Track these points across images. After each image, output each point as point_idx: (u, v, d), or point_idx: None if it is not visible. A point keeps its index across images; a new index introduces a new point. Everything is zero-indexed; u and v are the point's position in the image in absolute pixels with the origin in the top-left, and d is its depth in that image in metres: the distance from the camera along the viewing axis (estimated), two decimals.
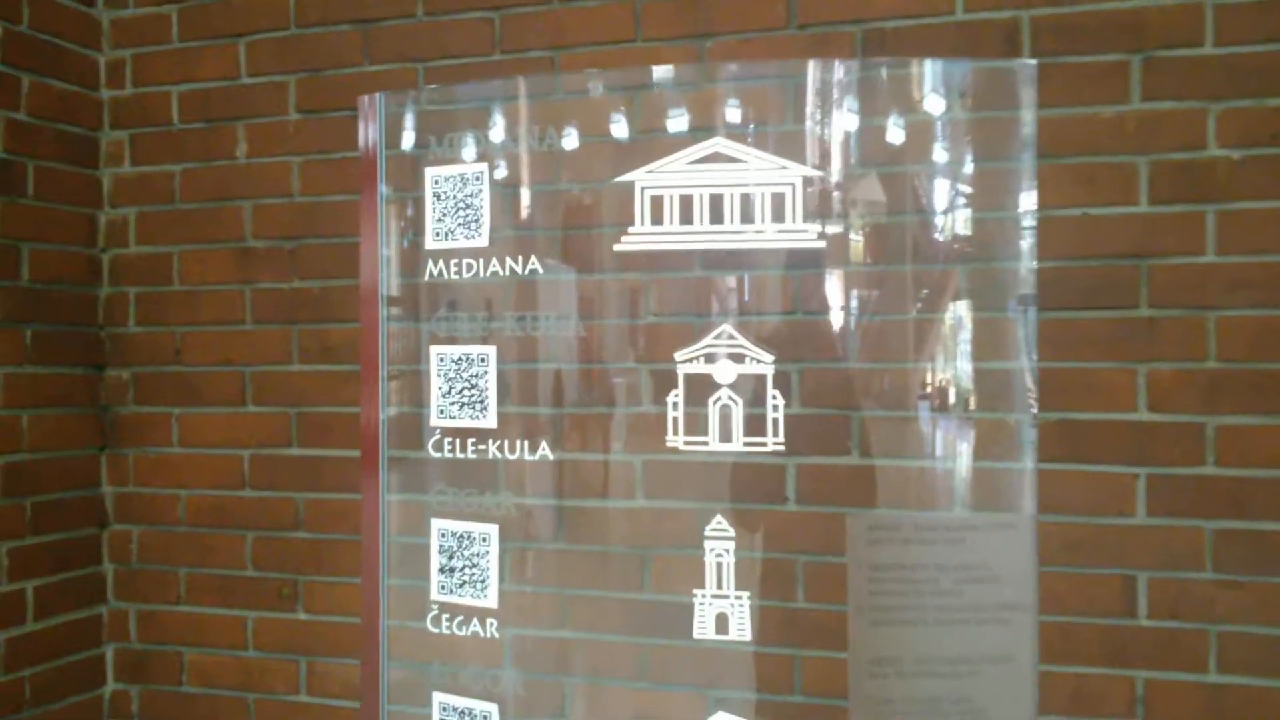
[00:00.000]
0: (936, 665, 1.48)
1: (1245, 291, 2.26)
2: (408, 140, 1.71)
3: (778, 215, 1.48)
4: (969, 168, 1.56)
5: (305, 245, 2.88)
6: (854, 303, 1.64)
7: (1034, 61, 1.61)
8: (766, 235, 1.48)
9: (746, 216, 1.50)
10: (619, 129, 1.64)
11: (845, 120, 1.49)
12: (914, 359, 1.62)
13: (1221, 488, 2.27)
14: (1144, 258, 2.31)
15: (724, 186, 1.52)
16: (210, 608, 2.93)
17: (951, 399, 1.60)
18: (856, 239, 1.58)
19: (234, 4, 2.90)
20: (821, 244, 1.53)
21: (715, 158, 1.53)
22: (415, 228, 1.68)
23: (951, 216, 1.57)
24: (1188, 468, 2.29)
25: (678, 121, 1.55)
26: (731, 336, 1.55)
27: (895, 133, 1.48)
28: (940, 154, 1.52)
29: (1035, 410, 1.49)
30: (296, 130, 2.90)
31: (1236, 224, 2.26)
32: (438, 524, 1.70)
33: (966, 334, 1.58)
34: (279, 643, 2.91)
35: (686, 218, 1.53)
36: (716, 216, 1.52)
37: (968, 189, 1.54)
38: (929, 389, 1.61)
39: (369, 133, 1.65)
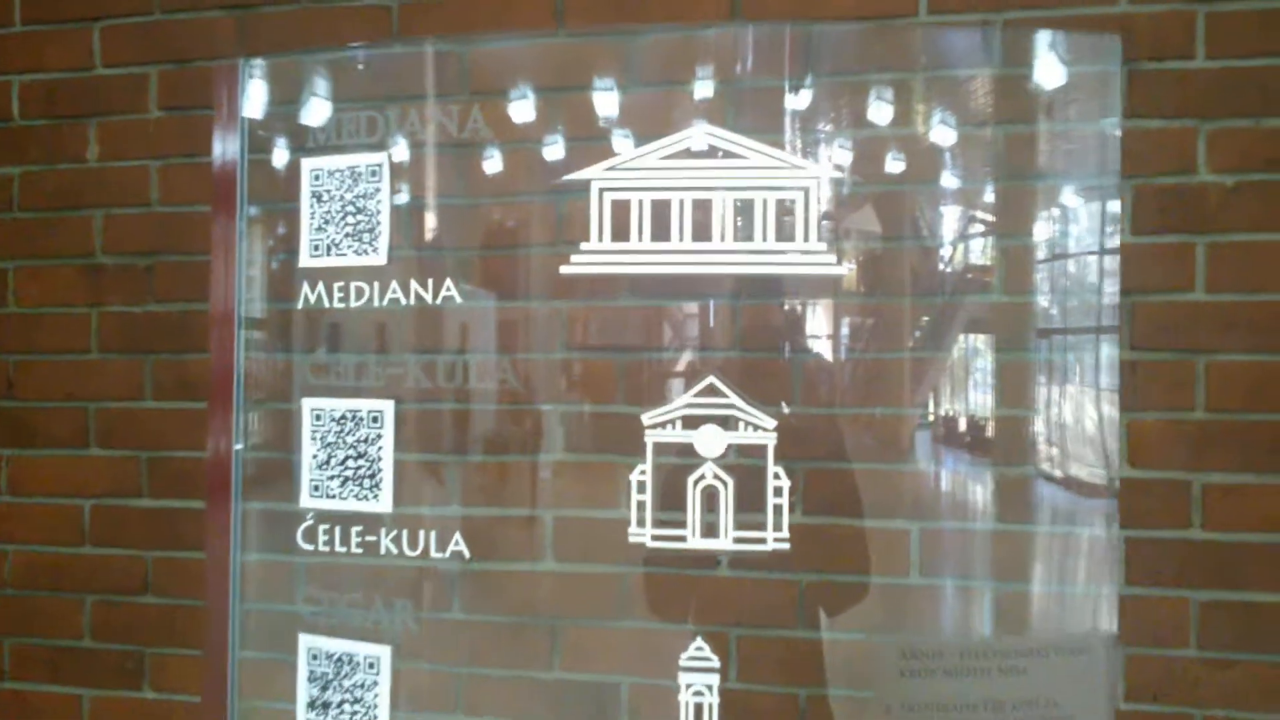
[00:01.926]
0: None
1: (1239, 333, 2.08)
2: (279, 122, 1.39)
3: (784, 231, 1.12)
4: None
5: (164, 262, 2.61)
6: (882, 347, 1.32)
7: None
8: (788, 257, 1.14)
9: (744, 231, 1.14)
10: (570, 110, 1.28)
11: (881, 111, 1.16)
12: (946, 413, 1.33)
13: (1209, 554, 2.08)
14: (1126, 294, 2.11)
15: (713, 190, 1.20)
16: (39, 684, 2.63)
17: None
18: (885, 263, 1.25)
19: None
20: (842, 270, 1.18)
21: (700, 151, 1.19)
22: (285, 240, 1.35)
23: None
24: (1172, 530, 2.08)
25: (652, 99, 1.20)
26: (719, 393, 1.20)
27: (943, 133, 1.16)
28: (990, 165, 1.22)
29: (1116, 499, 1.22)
30: (157, 129, 2.63)
31: (1229, 258, 2.09)
32: (308, 642, 1.35)
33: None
34: None
35: (661, 231, 1.21)
36: (702, 231, 1.20)
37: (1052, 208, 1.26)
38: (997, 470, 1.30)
39: (227, 105, 1.28)
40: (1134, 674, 2.08)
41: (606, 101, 1.32)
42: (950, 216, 1.40)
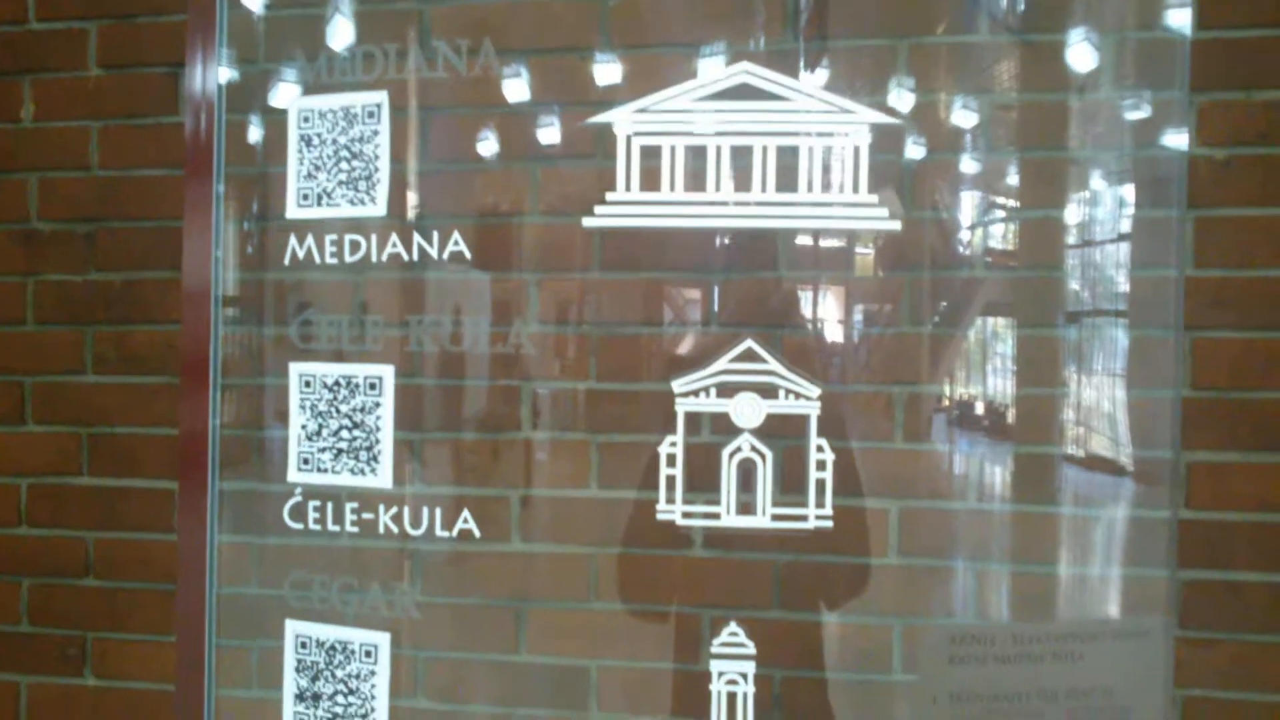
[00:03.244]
0: None
1: (1226, 310, 2.04)
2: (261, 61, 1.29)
3: (827, 182, 1.04)
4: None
5: (106, 229, 2.51)
6: (943, 314, 1.25)
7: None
8: (833, 210, 1.04)
9: (787, 182, 1.05)
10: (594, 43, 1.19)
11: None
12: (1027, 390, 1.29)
13: (1193, 533, 2.03)
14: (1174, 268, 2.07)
15: (753, 136, 1.11)
16: None
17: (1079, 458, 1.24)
18: (950, 219, 1.17)
19: None
20: (895, 225, 1.10)
21: (741, 92, 1.11)
22: (269, 190, 1.26)
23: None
24: (1155, 510, 1.98)
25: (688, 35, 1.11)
26: (757, 357, 1.11)
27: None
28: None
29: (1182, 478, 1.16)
30: (98, 88, 2.53)
31: (1218, 233, 2.04)
32: (295, 629, 1.25)
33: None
34: (61, 714, 2.57)
35: (696, 181, 1.11)
36: (742, 181, 1.11)
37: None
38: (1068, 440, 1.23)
39: (202, 45, 1.16)
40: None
41: (634, 33, 1.23)
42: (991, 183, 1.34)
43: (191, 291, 1.34)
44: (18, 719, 2.56)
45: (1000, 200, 1.37)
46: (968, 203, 1.37)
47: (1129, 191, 1.37)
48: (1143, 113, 1.42)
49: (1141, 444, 1.38)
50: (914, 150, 1.24)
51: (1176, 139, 1.37)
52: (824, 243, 1.28)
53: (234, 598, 1.36)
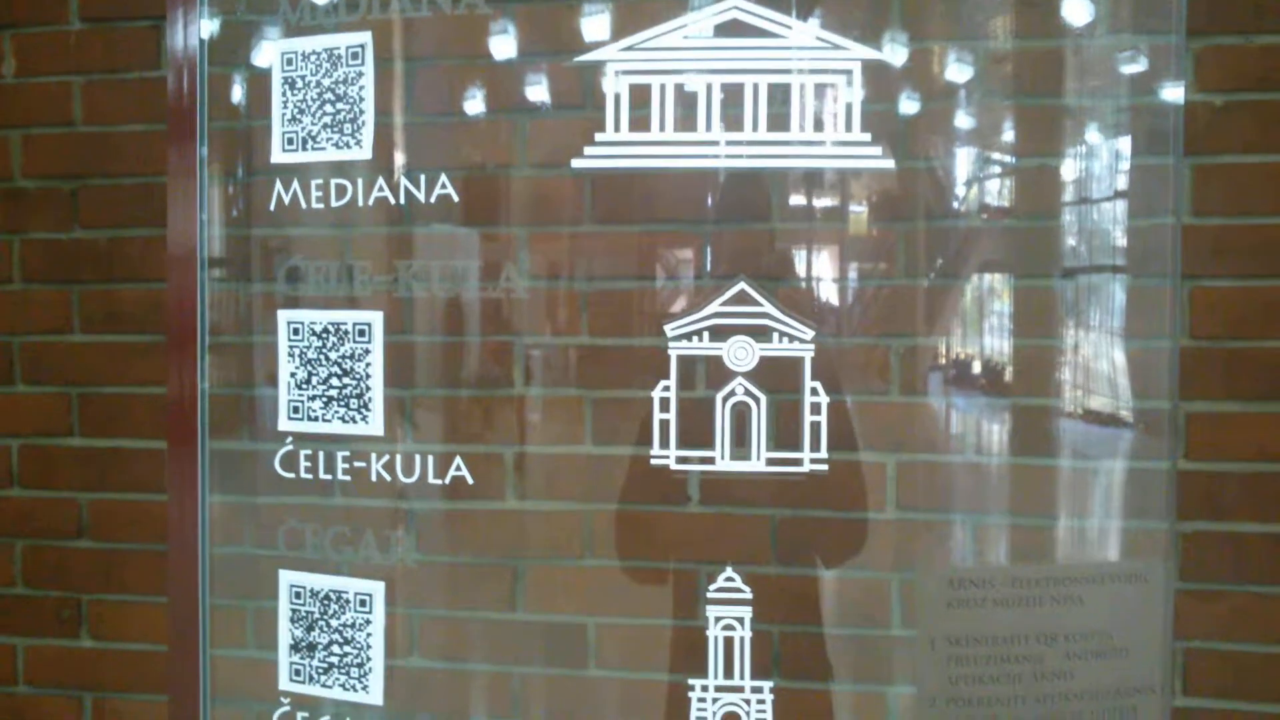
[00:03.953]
0: None
1: (1226, 258, 2.03)
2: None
3: (820, 122, 1.02)
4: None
5: (89, 186, 2.50)
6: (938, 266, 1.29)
7: None
8: (825, 150, 1.03)
9: (778, 121, 1.03)
10: None
11: None
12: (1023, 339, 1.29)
13: (1193, 484, 2.02)
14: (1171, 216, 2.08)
15: (745, 74, 1.09)
16: None
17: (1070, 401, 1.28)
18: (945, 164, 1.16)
19: None
20: (889, 163, 1.09)
21: (732, 29, 1.09)
22: (253, 142, 1.26)
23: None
24: (1155, 461, 2.02)
25: None
26: (750, 300, 1.10)
27: None
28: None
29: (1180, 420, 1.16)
30: (79, 43, 2.51)
31: (1217, 180, 2.03)
32: (290, 579, 1.24)
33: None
34: (58, 676, 2.56)
35: (687, 120, 1.09)
36: (734, 121, 1.10)
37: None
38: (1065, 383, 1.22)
39: None
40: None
41: None
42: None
43: (176, 255, 1.33)
44: (15, 681, 2.57)
45: (995, 151, 1.35)
46: (962, 149, 1.35)
47: (1125, 141, 1.36)
48: (1139, 61, 1.41)
49: (1140, 395, 1.37)
50: (907, 97, 1.23)
51: (1174, 86, 1.36)
52: (818, 195, 1.27)
53: (227, 558, 1.36)
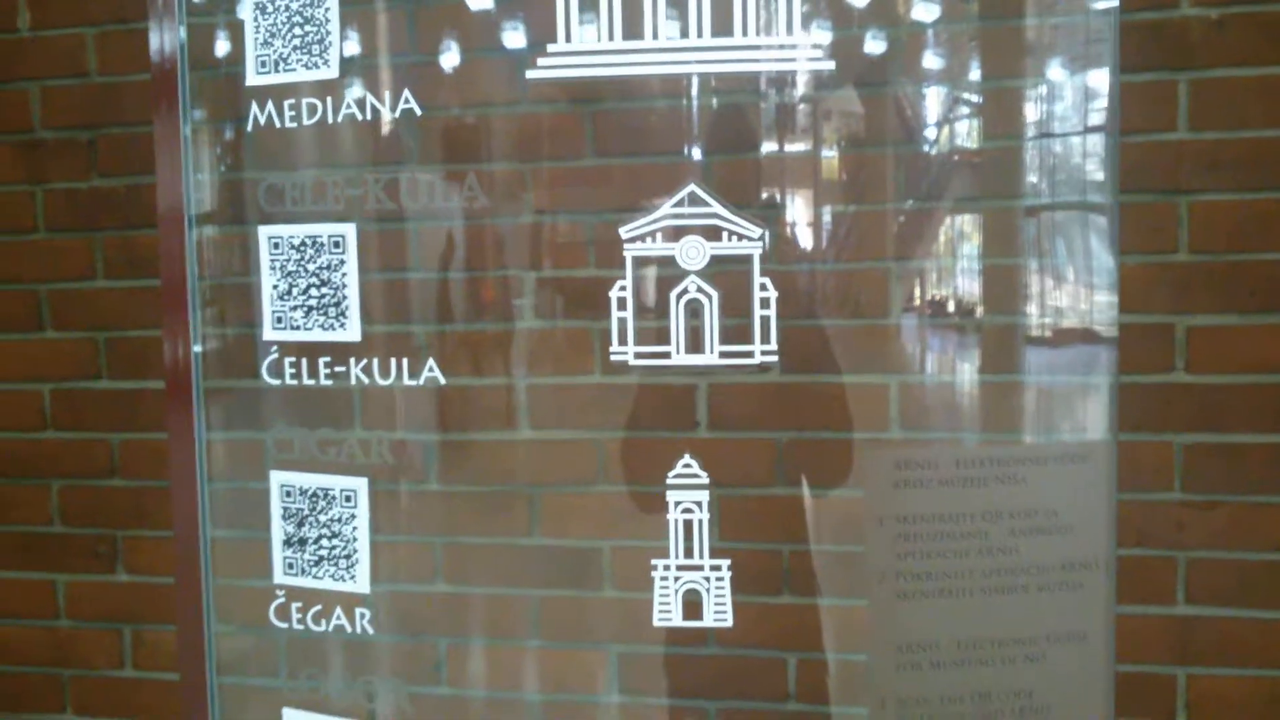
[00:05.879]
0: (985, 649, 1.15)
1: (1223, 172, 2.03)
2: None
3: (766, 25, 1.05)
4: None
5: (107, 135, 2.53)
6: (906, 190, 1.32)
7: None
8: (769, 53, 1.05)
9: (722, 25, 1.06)
10: None
11: None
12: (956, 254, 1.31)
13: (1192, 397, 2.06)
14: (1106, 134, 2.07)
15: None
16: (12, 571, 2.62)
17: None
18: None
19: None
20: (829, 64, 1.11)
21: None
22: (231, 60, 1.28)
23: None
24: (1155, 375, 2.07)
25: None
26: (701, 201, 1.13)
27: None
28: None
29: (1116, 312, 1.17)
30: None
31: (1213, 94, 2.03)
32: (280, 478, 1.29)
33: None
34: (97, 609, 2.61)
35: (633, 28, 1.12)
36: (680, 26, 1.12)
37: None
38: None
39: None
40: (1120, 519, 2.12)
41: None
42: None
43: (165, 210, 1.36)
44: (57, 616, 2.63)
45: (952, 76, 1.36)
46: (922, 75, 1.36)
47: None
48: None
49: (1084, 314, 1.39)
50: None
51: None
52: (782, 118, 1.29)
53: (226, 492, 1.41)
